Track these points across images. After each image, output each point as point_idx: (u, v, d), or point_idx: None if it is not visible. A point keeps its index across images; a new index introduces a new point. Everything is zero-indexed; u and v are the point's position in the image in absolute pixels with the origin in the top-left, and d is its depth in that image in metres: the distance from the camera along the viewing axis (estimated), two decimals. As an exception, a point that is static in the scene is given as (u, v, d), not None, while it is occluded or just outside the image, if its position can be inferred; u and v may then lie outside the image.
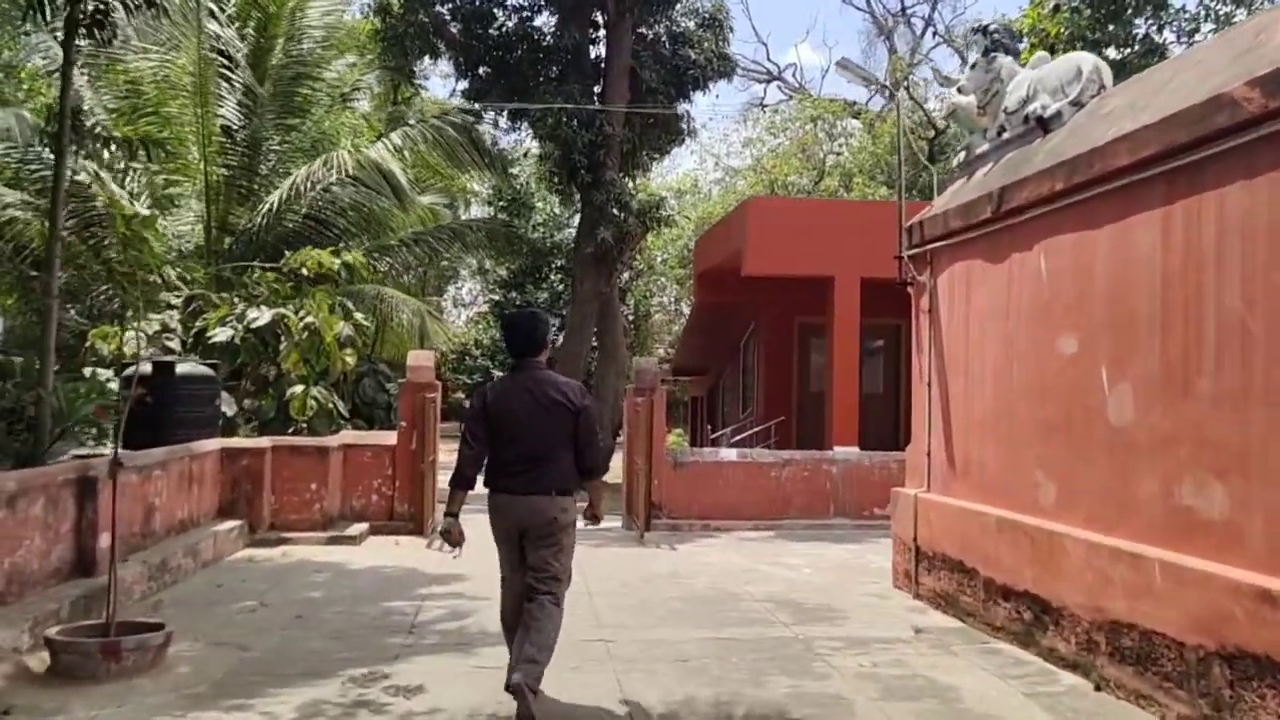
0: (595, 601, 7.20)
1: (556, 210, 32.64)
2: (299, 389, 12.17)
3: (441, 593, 7.45)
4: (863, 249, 12.07)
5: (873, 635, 6.24)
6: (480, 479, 4.80)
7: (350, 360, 13.11)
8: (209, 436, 10.43)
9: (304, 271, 12.89)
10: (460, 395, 37.46)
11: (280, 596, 7.20)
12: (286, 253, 16.73)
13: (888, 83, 28.13)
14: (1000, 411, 6.43)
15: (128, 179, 15.56)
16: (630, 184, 18.76)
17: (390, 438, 10.98)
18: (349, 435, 11.00)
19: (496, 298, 35.04)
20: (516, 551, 4.76)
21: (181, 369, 10.62)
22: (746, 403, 17.07)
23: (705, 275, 14.87)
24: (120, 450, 6.05)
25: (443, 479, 16.36)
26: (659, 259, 36.23)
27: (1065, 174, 5.68)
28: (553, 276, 33.26)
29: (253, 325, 12.10)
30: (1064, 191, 5.71)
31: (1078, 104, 6.39)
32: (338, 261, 13.12)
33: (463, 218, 25.61)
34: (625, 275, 35.61)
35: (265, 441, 10.02)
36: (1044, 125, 6.51)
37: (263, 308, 12.38)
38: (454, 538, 4.82)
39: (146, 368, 10.74)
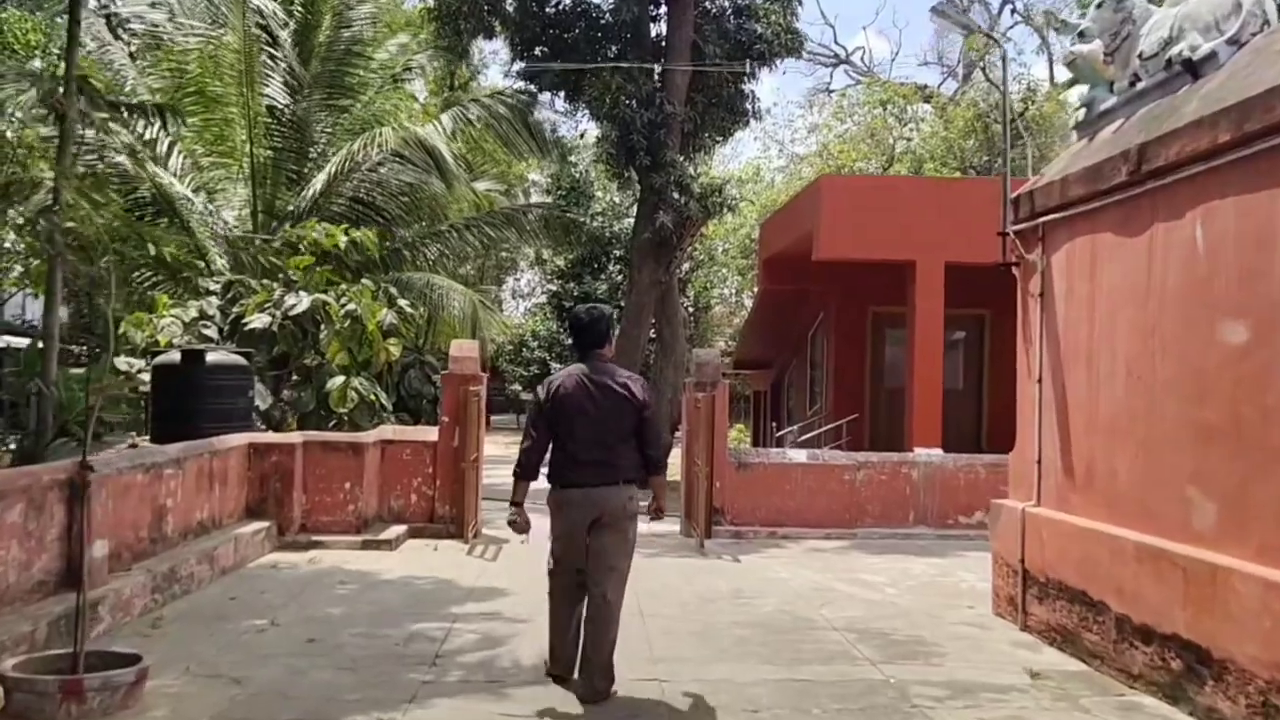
0: (649, 626, 6.29)
1: (616, 199, 31.85)
2: (339, 380, 11.49)
3: (475, 612, 6.59)
4: (946, 231, 10.99)
5: (980, 680, 5.22)
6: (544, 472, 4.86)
7: (395, 350, 12.40)
8: (242, 430, 9.78)
9: (301, 247, 12.12)
10: (517, 387, 36.91)
11: (296, 613, 6.41)
12: (332, 238, 16.28)
13: (986, 30, 26.40)
14: (1137, 412, 5.35)
15: (171, 159, 15.09)
16: (691, 167, 17.75)
17: (431, 434, 10.19)
18: (387, 431, 10.24)
19: (554, 288, 34.34)
20: (578, 546, 4.75)
21: (212, 358, 9.98)
22: (814, 399, 16.02)
23: (771, 261, 13.85)
24: (143, 442, 5.31)
25: (498, 474, 15.56)
26: (720, 249, 35.16)
27: (1233, 122, 4.59)
28: (611, 267, 32.45)
29: (291, 312, 11.42)
30: (1231, 144, 4.61)
31: (1236, 42, 5.27)
32: (344, 239, 12.34)
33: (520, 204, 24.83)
34: (685, 265, 34.71)
35: (296, 437, 9.30)
36: (1193, 70, 5.40)
37: (301, 294, 11.69)
38: (520, 526, 4.93)
39: (175, 356, 10.18)
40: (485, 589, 7.35)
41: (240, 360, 10.19)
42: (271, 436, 9.15)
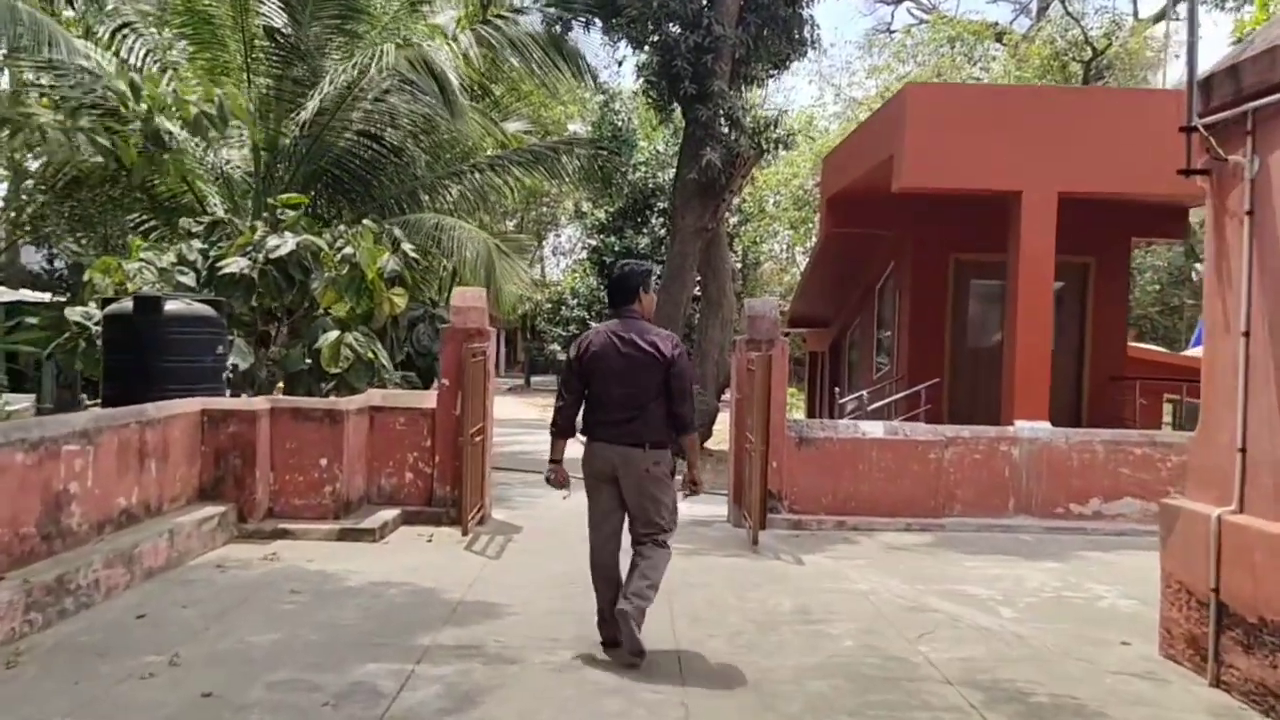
0: (686, 671, 4.55)
1: (660, 148, 29.84)
2: (332, 335, 9.86)
3: (451, 644, 4.89)
4: (1062, 155, 8.99)
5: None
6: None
7: (400, 301, 10.76)
8: (210, 393, 8.22)
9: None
10: (555, 347, 35.24)
11: (211, 644, 4.76)
12: (341, 176, 14.62)
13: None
14: None
15: (164, 83, 13.48)
16: (742, 99, 15.71)
17: (429, 399, 8.50)
18: (376, 396, 8.56)
19: (594, 243, 32.48)
20: (610, 495, 4.75)
21: (172, 308, 8.38)
22: (881, 361, 14.08)
23: (837, 200, 11.87)
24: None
25: (529, 440, 13.96)
26: (771, 200, 33.01)
27: None
28: (654, 220, 30.51)
29: (273, 255, 9.77)
30: None
31: None
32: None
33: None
34: (733, 219, 32.63)
35: (260, 403, 7.64)
36: None
37: (286, 234, 10.03)
38: (558, 481, 4.94)
39: (128, 305, 8.60)
40: (475, 604, 5.65)
41: (207, 311, 8.57)
42: (229, 402, 7.52)
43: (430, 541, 7.49)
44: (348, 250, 10.36)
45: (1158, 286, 29.86)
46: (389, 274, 10.38)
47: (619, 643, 4.63)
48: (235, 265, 9.69)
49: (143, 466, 6.48)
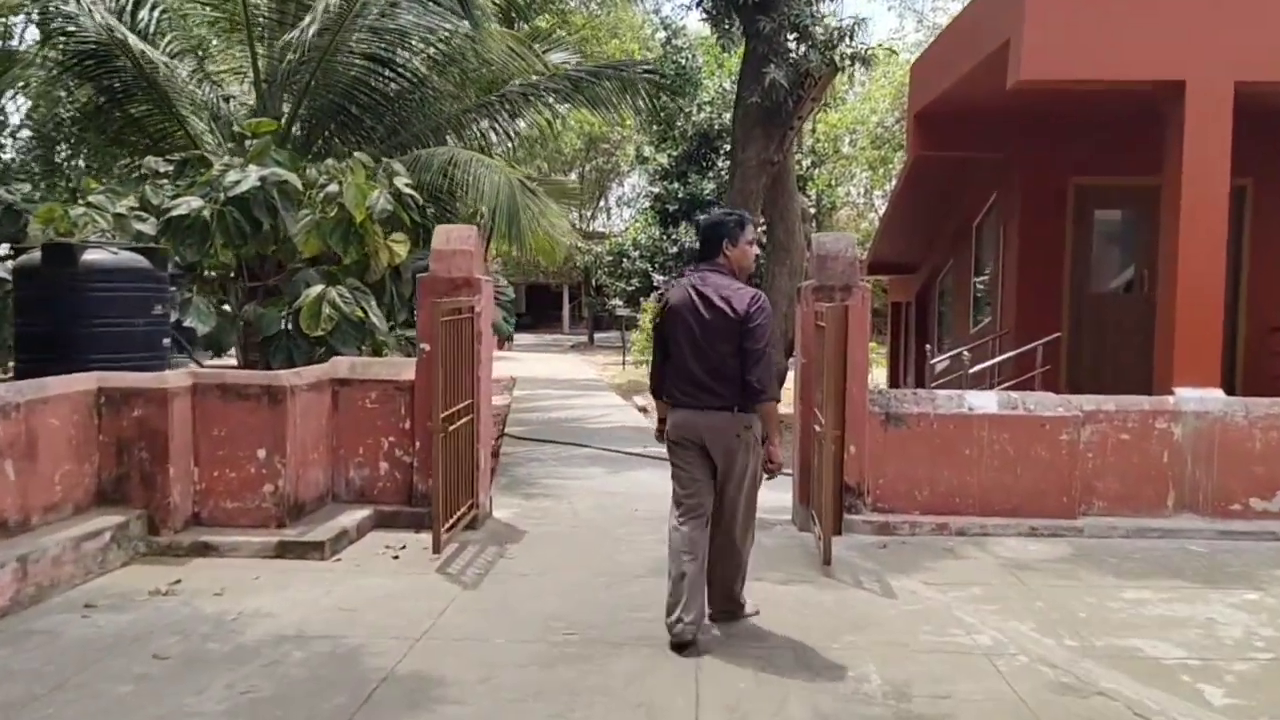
0: None
1: (726, 85, 27.51)
2: (314, 291, 8.16)
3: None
4: (1237, 34, 6.68)
5: None
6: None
7: (401, 250, 9.00)
8: (152, 365, 6.62)
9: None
10: (617, 303, 33.34)
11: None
12: (354, 110, 12.86)
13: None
14: None
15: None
16: (811, 8, 13.42)
17: (407, 369, 6.69)
18: (342, 365, 6.77)
19: (656, 190, 30.31)
20: (698, 464, 4.35)
21: (91, 258, 6.75)
22: (980, 313, 11.84)
23: (928, 114, 9.62)
24: None
25: (580, 403, 12.00)
26: (847, 140, 30.42)
27: None
28: (720, 164, 28.22)
29: (232, 192, 8.03)
30: None
31: None
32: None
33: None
34: (806, 161, 30.13)
35: (177, 378, 5.90)
36: None
37: (250, 169, 8.28)
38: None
39: (37, 255, 6.97)
40: (410, 679, 3.84)
41: (137, 261, 6.90)
42: (134, 379, 5.78)
43: (398, 558, 5.71)
44: (331, 188, 8.58)
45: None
46: (379, 214, 8.56)
47: (686, 644, 4.18)
48: (186, 206, 7.99)
49: (-9, 468, 4.80)
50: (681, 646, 4.16)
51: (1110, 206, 9.87)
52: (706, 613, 4.42)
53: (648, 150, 30.71)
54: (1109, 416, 6.57)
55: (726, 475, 4.32)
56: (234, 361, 10.21)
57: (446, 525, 5.81)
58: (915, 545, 6.09)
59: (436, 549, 5.63)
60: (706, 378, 4.26)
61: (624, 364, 27.65)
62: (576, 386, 21.11)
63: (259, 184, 8.08)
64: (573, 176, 41.00)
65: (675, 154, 29.00)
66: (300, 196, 8.67)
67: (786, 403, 9.49)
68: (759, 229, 14.88)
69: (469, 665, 4.01)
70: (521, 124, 13.89)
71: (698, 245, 4.61)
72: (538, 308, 50.47)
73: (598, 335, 42.68)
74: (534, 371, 25.30)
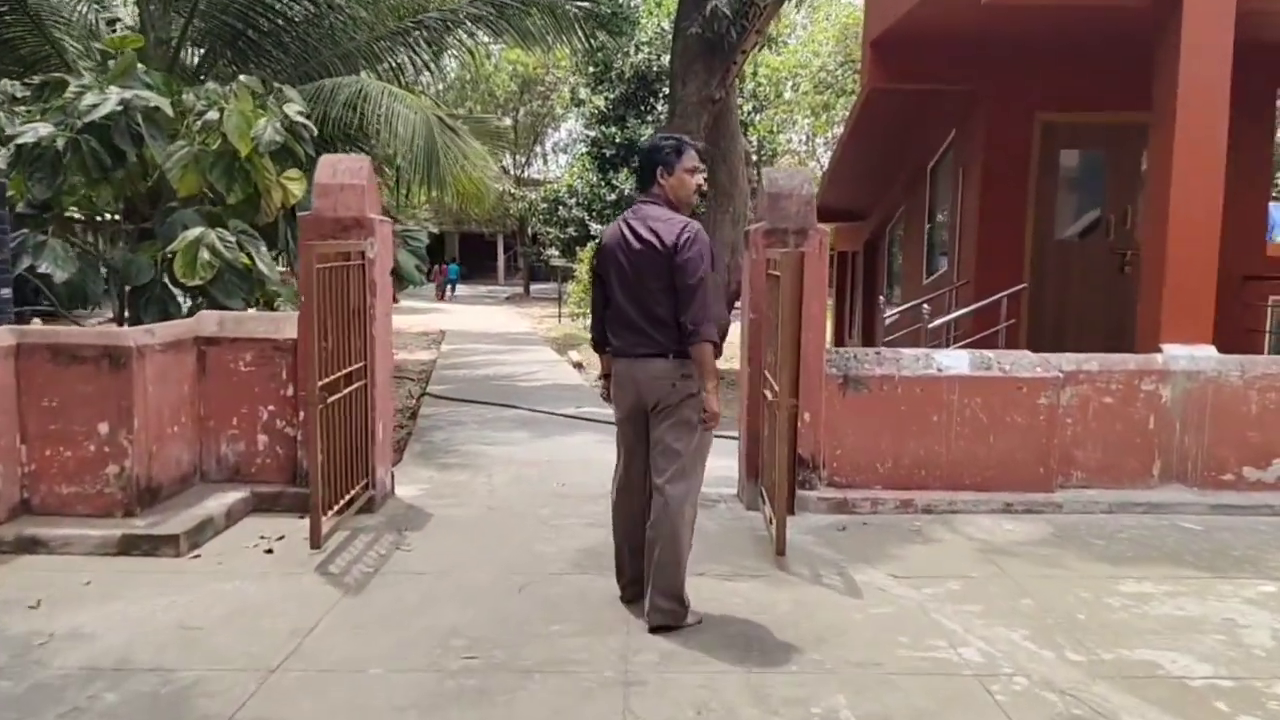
0: None
1: (665, 26, 26.33)
2: (191, 234, 7.07)
3: None
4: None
5: None
6: None
7: (296, 189, 7.89)
8: (-14, 321, 5.55)
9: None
10: (553, 252, 32.23)
11: None
12: (252, 36, 11.56)
13: None
14: None
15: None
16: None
17: (288, 326, 5.68)
18: (210, 321, 5.74)
19: (593, 134, 29.13)
20: (639, 423, 3.94)
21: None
22: (934, 262, 11.11)
23: (887, 40, 8.70)
24: None
25: (512, 359, 11.09)
26: (789, 85, 29.45)
27: None
28: (659, 107, 27.15)
29: (87, 118, 6.86)
30: None
31: None
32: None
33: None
34: (747, 106, 29.15)
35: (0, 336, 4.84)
36: None
37: (111, 89, 7.10)
38: (607, 397, 4.18)
39: None
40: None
41: (-39, 198, 5.75)
42: (-64, 339, 4.72)
43: (271, 552, 4.77)
44: (211, 115, 7.44)
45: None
46: (267, 147, 7.44)
47: (633, 601, 4.05)
48: (34, 134, 6.80)
49: None
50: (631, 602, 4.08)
51: (1081, 145, 9.16)
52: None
53: (584, 93, 29.49)
54: (1091, 378, 5.86)
55: (661, 435, 3.84)
56: (110, 315, 9.08)
57: (331, 512, 4.89)
58: (878, 526, 5.34)
59: (315, 544, 4.69)
60: (640, 319, 3.85)
61: (560, 317, 26.64)
62: (509, 341, 20.10)
63: (120, 108, 6.92)
64: (506, 121, 39.47)
65: (612, 97, 27.87)
66: (175, 125, 7.53)
67: (732, 358, 8.61)
68: (701, 165, 13.99)
69: (330, 710, 3.13)
70: (446, 61, 12.71)
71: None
72: (472, 257, 48.99)
73: (534, 286, 41.52)
74: (465, 324, 24.19)
